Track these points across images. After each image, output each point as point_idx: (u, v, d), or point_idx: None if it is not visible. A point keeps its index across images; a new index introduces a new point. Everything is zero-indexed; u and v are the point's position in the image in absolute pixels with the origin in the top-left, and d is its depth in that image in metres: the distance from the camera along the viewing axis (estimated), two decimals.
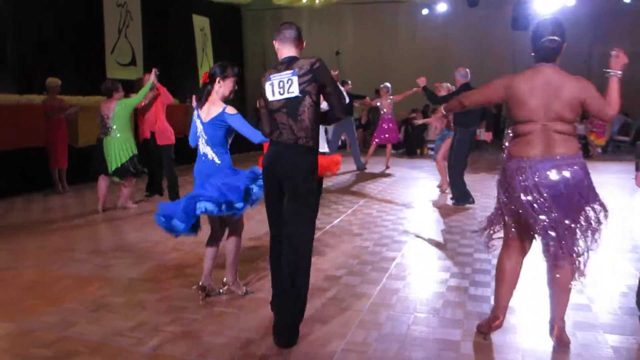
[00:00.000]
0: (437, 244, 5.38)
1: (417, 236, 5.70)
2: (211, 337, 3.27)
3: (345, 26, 17.62)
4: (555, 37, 2.94)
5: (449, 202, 7.33)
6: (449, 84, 8.02)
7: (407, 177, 9.98)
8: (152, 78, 6.80)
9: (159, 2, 14.00)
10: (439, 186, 8.38)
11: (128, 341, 3.22)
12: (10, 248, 5.28)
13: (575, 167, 2.88)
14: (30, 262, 4.82)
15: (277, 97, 3.21)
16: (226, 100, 3.77)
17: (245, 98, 16.61)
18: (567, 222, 2.88)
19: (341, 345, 3.14)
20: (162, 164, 7.33)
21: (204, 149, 3.75)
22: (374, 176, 10.11)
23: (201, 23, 16.01)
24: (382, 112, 11.05)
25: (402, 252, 5.05)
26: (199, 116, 3.76)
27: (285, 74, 3.19)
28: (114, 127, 6.74)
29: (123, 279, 4.33)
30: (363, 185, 9.06)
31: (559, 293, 3.07)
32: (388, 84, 11.11)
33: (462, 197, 7.15)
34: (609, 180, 8.62)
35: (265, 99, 3.29)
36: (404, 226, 6.13)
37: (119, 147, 6.76)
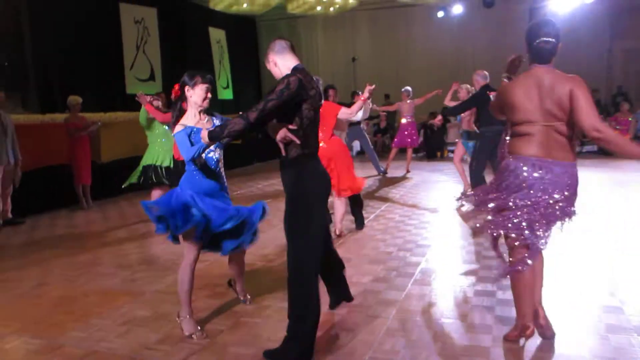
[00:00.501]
0: (461, 248, 5.32)
1: (441, 240, 5.64)
2: (237, 348, 3.27)
3: (360, 32, 17.63)
4: (550, 38, 2.93)
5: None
6: (468, 86, 7.95)
7: (428, 181, 9.92)
8: (142, 103, 6.76)
9: (176, 17, 14.18)
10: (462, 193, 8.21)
11: (156, 354, 3.23)
12: (38, 264, 5.35)
13: (567, 175, 2.92)
14: (58, 278, 4.88)
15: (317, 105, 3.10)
16: (204, 110, 3.45)
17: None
18: (539, 219, 2.96)
19: (369, 354, 3.12)
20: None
21: None
22: (395, 181, 10.06)
23: (217, 35, 16.16)
24: (402, 115, 11.00)
25: (427, 257, 5.01)
26: None
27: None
28: None
29: (149, 292, 4.36)
30: (384, 190, 9.01)
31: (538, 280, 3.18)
32: (409, 88, 11.05)
33: None
34: (634, 178, 8.45)
35: (316, 100, 3.03)
36: (427, 230, 6.07)
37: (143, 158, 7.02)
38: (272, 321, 3.62)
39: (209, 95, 3.43)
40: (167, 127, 7.14)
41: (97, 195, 8.97)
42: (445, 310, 3.72)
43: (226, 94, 16.49)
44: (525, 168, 2.95)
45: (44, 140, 8.50)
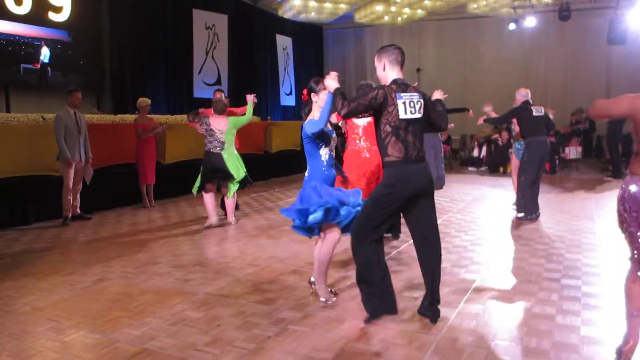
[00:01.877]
0: (520, 267, 5.12)
1: (498, 258, 5.46)
2: (283, 356, 3.27)
3: (426, 42, 17.46)
4: None
5: (518, 215, 7.40)
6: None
7: (488, 196, 9.64)
8: (251, 101, 7.14)
9: (245, 24, 14.51)
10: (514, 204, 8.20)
11: (203, 356, 3.28)
12: (100, 260, 5.57)
13: None
14: (118, 275, 5.05)
15: (409, 115, 3.47)
16: None
17: None
18: None
19: None
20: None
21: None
22: (453, 194, 9.85)
23: (284, 42, 16.43)
24: None
25: (482, 275, 4.85)
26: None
27: (415, 96, 3.52)
28: (227, 141, 6.97)
29: (201, 294, 4.44)
30: (441, 204, 8.82)
31: None
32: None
33: (528, 208, 7.28)
34: None
35: (393, 115, 3.47)
36: (484, 247, 5.90)
37: (239, 160, 7.07)
38: (319, 331, 3.60)
39: None
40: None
41: (160, 195, 9.26)
42: (499, 332, 3.58)
43: (289, 101, 16.70)
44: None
45: (114, 140, 8.88)
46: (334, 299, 4.14)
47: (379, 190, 3.59)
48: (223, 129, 6.91)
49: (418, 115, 3.51)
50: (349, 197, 4.01)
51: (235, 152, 7.12)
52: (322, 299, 4.11)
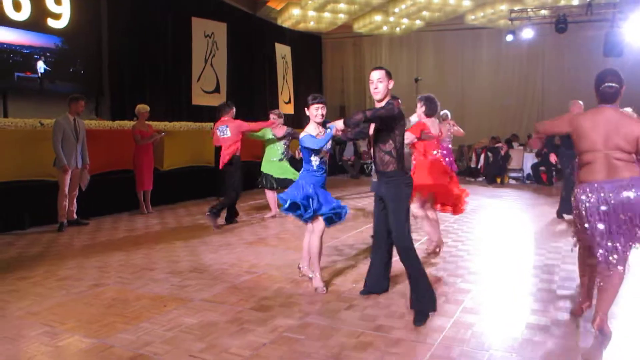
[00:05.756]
0: (516, 278, 5.13)
1: (495, 269, 5.47)
2: None
3: (425, 53, 17.51)
4: (613, 84, 3.56)
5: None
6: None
7: (485, 207, 9.66)
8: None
9: (244, 32, 14.55)
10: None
11: None
12: (98, 266, 5.56)
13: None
14: (114, 280, 5.05)
15: None
16: (320, 123, 4.59)
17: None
18: (622, 238, 3.45)
19: None
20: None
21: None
22: None
23: (283, 51, 16.46)
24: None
25: (478, 285, 4.86)
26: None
27: None
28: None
29: (197, 300, 4.44)
30: (439, 214, 8.81)
31: (606, 294, 3.54)
32: (447, 111, 10.78)
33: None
34: None
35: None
36: (480, 257, 5.91)
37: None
38: (315, 338, 3.61)
39: (321, 112, 4.50)
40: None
41: (157, 202, 9.25)
42: (494, 342, 3.58)
43: (287, 109, 16.72)
44: (588, 195, 3.52)
45: (112, 146, 8.88)
46: (324, 289, 4.58)
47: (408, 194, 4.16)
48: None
49: None
50: (326, 200, 4.56)
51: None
52: (316, 287, 4.61)
